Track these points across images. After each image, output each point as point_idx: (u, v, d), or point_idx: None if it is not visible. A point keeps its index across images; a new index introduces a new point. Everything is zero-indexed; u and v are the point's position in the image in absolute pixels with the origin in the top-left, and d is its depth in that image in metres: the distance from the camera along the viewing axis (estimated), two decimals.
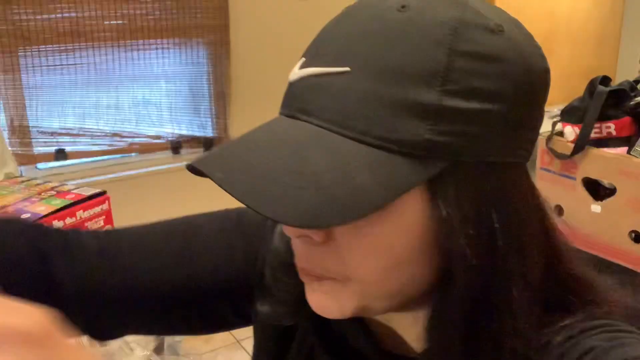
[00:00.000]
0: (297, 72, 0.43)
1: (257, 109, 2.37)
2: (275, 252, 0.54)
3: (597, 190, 1.45)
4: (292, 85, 0.44)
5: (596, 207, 1.43)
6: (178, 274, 0.56)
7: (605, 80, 1.46)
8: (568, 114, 1.49)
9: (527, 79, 0.42)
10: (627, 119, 1.39)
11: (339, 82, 0.40)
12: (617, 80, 1.56)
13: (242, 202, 0.38)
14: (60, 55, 2.12)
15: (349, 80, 0.40)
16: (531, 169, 1.62)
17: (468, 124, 0.40)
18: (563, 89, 1.97)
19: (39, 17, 2.04)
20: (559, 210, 1.53)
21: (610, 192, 1.40)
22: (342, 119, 0.40)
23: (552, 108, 1.86)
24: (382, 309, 0.47)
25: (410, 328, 0.50)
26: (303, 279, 0.47)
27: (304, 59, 0.44)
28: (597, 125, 1.41)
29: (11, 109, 2.09)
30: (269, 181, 0.39)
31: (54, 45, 2.10)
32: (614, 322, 0.46)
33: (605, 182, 1.41)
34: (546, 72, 0.44)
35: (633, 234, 1.37)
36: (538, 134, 0.47)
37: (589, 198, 1.44)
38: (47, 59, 2.10)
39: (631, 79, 1.47)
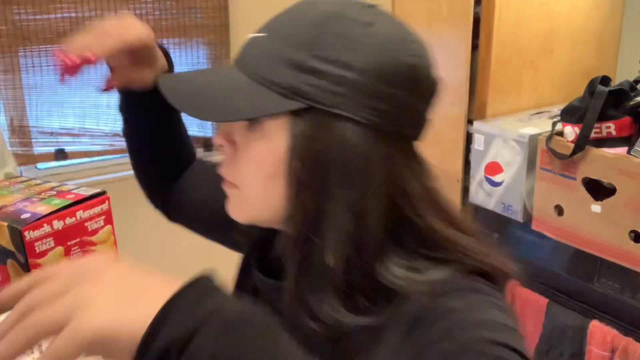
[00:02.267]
0: (248, 36, 0.63)
1: None
2: None
3: (597, 190, 1.45)
4: (242, 46, 0.63)
5: (596, 207, 1.43)
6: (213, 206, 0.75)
7: (605, 80, 1.46)
8: (568, 114, 1.49)
9: (381, 62, 0.56)
10: (627, 119, 1.39)
11: (258, 42, 0.60)
12: (617, 80, 1.56)
13: (167, 98, 0.58)
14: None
15: (263, 41, 0.60)
16: (531, 168, 1.62)
17: (324, 81, 0.56)
18: (563, 89, 1.97)
19: (39, 17, 2.04)
20: (559, 210, 1.53)
21: (610, 192, 1.40)
22: (248, 64, 0.60)
23: (552, 108, 1.86)
24: (268, 220, 0.63)
25: None
26: (225, 189, 0.64)
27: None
28: (597, 125, 1.41)
29: (11, 109, 2.09)
30: (186, 88, 0.61)
31: (54, 45, 2.10)
32: (477, 284, 0.56)
33: (605, 182, 1.41)
34: (410, 66, 0.58)
35: (633, 234, 1.37)
36: (414, 114, 0.59)
37: (589, 198, 1.44)
38: (47, 59, 2.10)
39: (631, 79, 1.47)
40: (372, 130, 0.56)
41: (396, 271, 0.57)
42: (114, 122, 2.31)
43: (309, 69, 0.56)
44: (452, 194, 1.95)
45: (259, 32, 0.61)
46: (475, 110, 1.84)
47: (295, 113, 0.56)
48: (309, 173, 0.56)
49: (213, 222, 0.78)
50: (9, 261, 0.82)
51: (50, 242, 0.83)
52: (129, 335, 0.41)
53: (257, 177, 0.60)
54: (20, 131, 2.13)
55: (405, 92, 0.57)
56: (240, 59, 0.61)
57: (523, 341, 0.51)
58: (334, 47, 0.56)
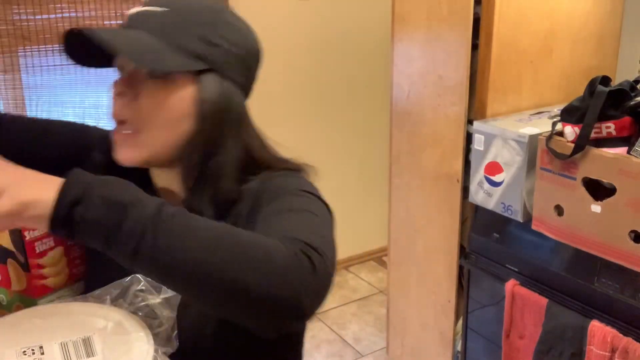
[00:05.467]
0: (136, 9, 0.80)
1: (255, 106, 2.35)
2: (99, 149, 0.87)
3: (597, 190, 1.45)
4: (130, 16, 0.80)
5: (596, 207, 1.43)
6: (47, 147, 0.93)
7: (605, 80, 1.46)
8: (568, 114, 1.49)
9: (250, 44, 0.84)
10: (627, 119, 1.39)
11: (160, 15, 0.78)
12: (617, 80, 1.56)
13: (106, 45, 0.72)
14: (60, 55, 2.12)
15: (168, 15, 0.78)
16: (531, 168, 1.62)
17: (219, 53, 0.79)
18: (563, 89, 1.97)
19: (39, 17, 2.04)
20: (559, 210, 1.53)
21: (610, 192, 1.40)
22: (159, 30, 0.77)
23: (552, 108, 1.86)
24: (161, 162, 0.81)
25: (176, 182, 0.84)
26: (114, 136, 0.80)
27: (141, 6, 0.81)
28: (597, 125, 1.41)
29: (11, 109, 2.09)
30: (125, 42, 0.74)
31: (54, 45, 2.10)
32: (290, 171, 0.85)
33: (605, 182, 1.41)
34: (258, 49, 0.86)
35: (633, 234, 1.37)
36: (255, 79, 0.87)
37: (589, 198, 1.44)
38: (47, 59, 2.10)
39: (631, 79, 1.47)
40: (241, 89, 0.83)
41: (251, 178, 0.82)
42: None
43: (212, 43, 0.79)
44: (452, 194, 1.94)
45: (155, 6, 0.79)
46: (475, 110, 1.84)
47: (199, 72, 0.78)
48: (214, 114, 0.79)
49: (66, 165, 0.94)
50: (9, 261, 0.82)
51: (50, 242, 0.83)
52: (42, 202, 0.57)
53: (164, 118, 0.78)
54: None
55: (256, 65, 0.86)
56: (144, 25, 0.78)
57: (319, 193, 0.78)
58: (227, 30, 0.80)
